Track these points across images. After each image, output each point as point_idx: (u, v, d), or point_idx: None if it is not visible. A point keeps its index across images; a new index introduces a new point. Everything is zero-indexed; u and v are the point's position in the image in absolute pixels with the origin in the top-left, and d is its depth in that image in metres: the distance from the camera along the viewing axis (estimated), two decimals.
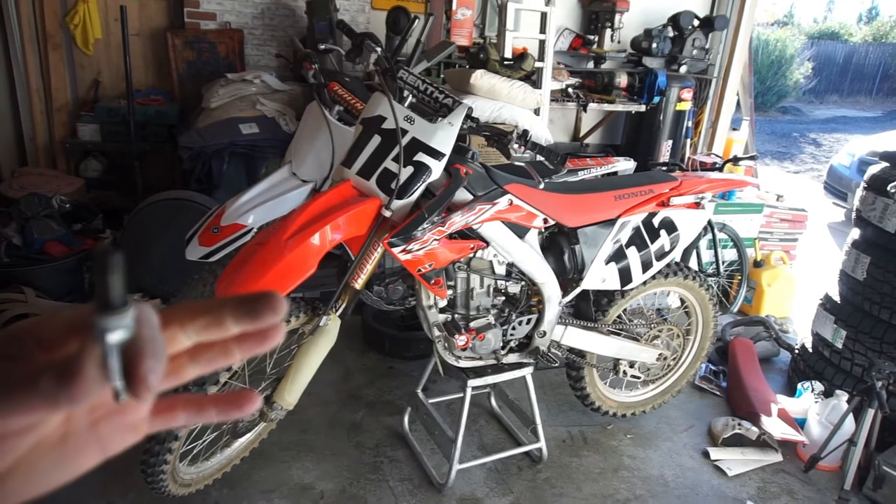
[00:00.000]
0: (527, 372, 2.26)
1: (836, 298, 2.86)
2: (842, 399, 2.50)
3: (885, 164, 2.69)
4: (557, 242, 2.19)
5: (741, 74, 5.46)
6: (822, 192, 6.68)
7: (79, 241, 3.22)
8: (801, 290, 3.95)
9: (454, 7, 4.35)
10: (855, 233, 2.81)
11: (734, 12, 5.33)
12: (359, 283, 1.87)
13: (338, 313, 1.87)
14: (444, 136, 1.78)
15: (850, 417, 2.38)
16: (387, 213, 1.79)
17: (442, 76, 4.30)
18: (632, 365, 2.54)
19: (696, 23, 5.06)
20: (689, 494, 2.32)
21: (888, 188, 2.49)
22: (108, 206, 3.81)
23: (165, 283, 3.03)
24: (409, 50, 3.33)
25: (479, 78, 3.44)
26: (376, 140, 1.82)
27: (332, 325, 1.86)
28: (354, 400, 2.71)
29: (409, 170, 1.78)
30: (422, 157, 1.78)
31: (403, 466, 2.33)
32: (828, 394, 2.66)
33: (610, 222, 2.21)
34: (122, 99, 4.02)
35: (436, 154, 1.78)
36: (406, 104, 1.87)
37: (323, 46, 2.28)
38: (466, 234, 1.94)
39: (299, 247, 1.69)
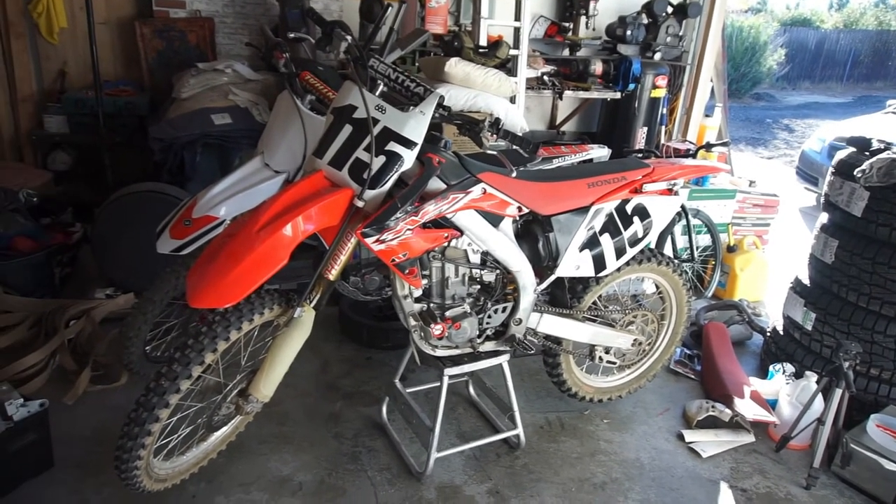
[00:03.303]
0: (503, 360, 2.27)
1: (806, 282, 2.91)
2: (811, 380, 2.55)
3: (851, 149, 2.73)
4: (531, 230, 2.20)
5: (715, 61, 5.51)
6: (794, 178, 6.79)
7: (47, 235, 3.15)
8: (773, 274, 4.02)
9: None
10: (824, 217, 2.87)
11: None
12: (333, 274, 1.86)
13: (312, 304, 1.86)
14: (415, 124, 1.77)
15: (820, 397, 2.44)
16: (359, 204, 1.78)
17: (417, 64, 4.27)
18: (607, 351, 2.57)
19: (669, 10, 5.08)
20: (664, 476, 2.36)
21: (855, 173, 2.54)
22: (78, 200, 3.73)
23: (137, 277, 2.99)
24: (383, 38, 3.30)
25: (454, 66, 3.42)
26: (348, 130, 1.80)
27: (306, 317, 1.85)
28: (332, 391, 2.70)
29: (381, 159, 1.76)
30: (394, 146, 1.77)
31: (382, 456, 2.34)
32: (798, 375, 2.71)
33: (583, 210, 2.22)
34: (90, 90, 3.92)
35: (408, 143, 1.77)
36: (377, 93, 1.85)
37: (292, 35, 2.25)
38: (440, 223, 1.93)
39: (270, 238, 1.67)
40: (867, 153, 2.62)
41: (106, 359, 2.63)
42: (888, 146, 2.64)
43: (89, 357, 2.59)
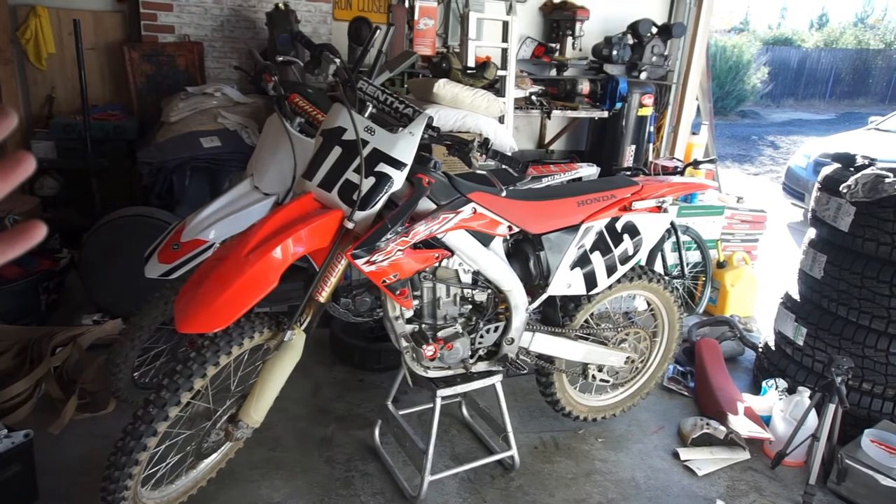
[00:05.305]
0: (496, 380, 2.25)
1: (796, 297, 2.92)
2: (804, 395, 2.55)
3: (837, 166, 2.77)
4: (522, 249, 2.20)
5: (700, 80, 5.59)
6: (781, 193, 6.86)
7: (33, 261, 3.11)
8: (763, 289, 4.04)
9: (416, 17, 4.37)
10: (811, 232, 2.89)
11: (691, 20, 5.47)
12: (323, 297, 1.84)
13: (302, 327, 1.84)
14: (404, 145, 1.77)
15: (813, 413, 2.44)
16: (349, 225, 1.77)
17: (406, 86, 4.30)
18: (600, 369, 2.56)
19: (654, 30, 5.17)
20: (660, 496, 2.33)
21: (840, 188, 2.56)
22: (66, 225, 3.70)
23: (125, 302, 2.95)
24: (372, 60, 3.33)
25: (442, 87, 3.45)
26: (337, 151, 1.80)
27: (296, 340, 1.83)
28: (324, 414, 2.67)
29: (371, 180, 1.76)
30: (383, 167, 1.77)
31: (375, 480, 2.30)
32: (791, 391, 2.71)
33: (574, 228, 2.23)
34: (78, 114, 3.92)
35: (397, 164, 1.77)
36: (366, 115, 1.86)
37: (281, 58, 2.26)
38: (431, 243, 1.93)
39: (260, 261, 1.66)
40: (852, 169, 2.65)
41: (93, 386, 2.59)
42: (872, 162, 2.67)
43: (76, 385, 2.55)
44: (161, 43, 4.25)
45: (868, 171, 2.53)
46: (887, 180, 2.43)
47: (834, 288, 2.66)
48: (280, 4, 4.06)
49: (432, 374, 2.13)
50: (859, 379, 2.60)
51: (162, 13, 4.23)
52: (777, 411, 2.61)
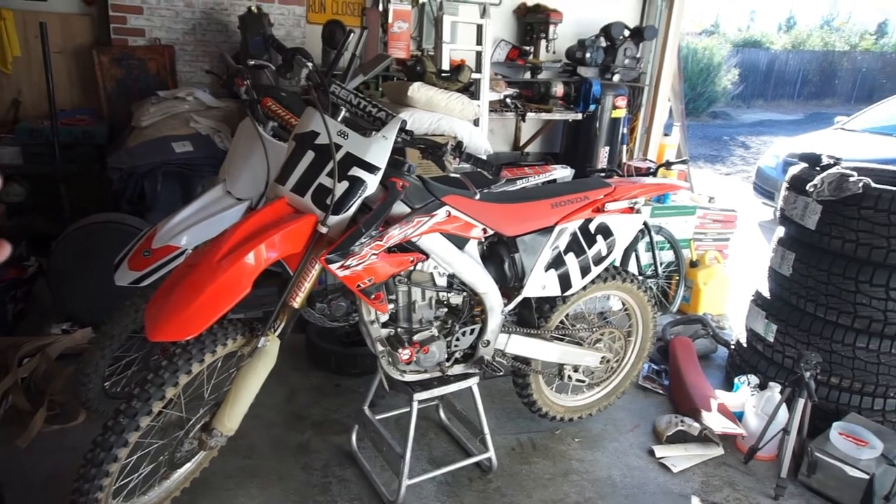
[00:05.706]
0: (473, 382, 2.26)
1: (767, 294, 2.98)
2: (775, 391, 2.60)
3: (804, 165, 2.83)
4: (497, 252, 2.21)
5: (672, 82, 5.68)
6: (751, 193, 6.99)
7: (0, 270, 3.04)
8: (734, 287, 4.11)
9: (390, 20, 4.36)
10: (780, 230, 2.95)
11: (662, 22, 5.55)
12: (297, 302, 1.83)
13: (277, 333, 1.83)
14: (378, 149, 1.77)
15: (784, 408, 2.48)
16: (323, 230, 1.76)
17: (380, 89, 4.29)
18: (576, 369, 2.58)
19: (626, 33, 5.24)
20: (636, 494, 2.36)
21: (807, 187, 2.62)
22: (33, 233, 3.62)
23: (95, 311, 2.90)
24: (346, 64, 3.31)
25: (417, 90, 3.45)
26: (310, 156, 1.79)
27: (270, 346, 1.81)
28: (300, 421, 2.65)
29: (345, 185, 1.76)
30: (357, 171, 1.76)
31: (353, 486, 2.29)
32: (763, 386, 2.76)
33: (548, 230, 2.24)
34: (46, 119, 3.83)
35: (371, 168, 1.77)
36: (340, 119, 1.85)
37: (252, 62, 2.24)
38: (405, 247, 1.93)
39: (233, 267, 1.64)
40: (818, 168, 2.71)
41: (62, 397, 2.53)
42: (837, 161, 2.74)
43: (44, 396, 2.49)
44: (131, 46, 4.18)
45: (833, 170, 2.59)
46: (851, 179, 2.49)
47: (802, 285, 2.72)
48: (253, 7, 4.02)
49: (409, 377, 2.13)
50: (827, 373, 2.66)
51: (132, 16, 4.16)
52: (749, 407, 2.66)
